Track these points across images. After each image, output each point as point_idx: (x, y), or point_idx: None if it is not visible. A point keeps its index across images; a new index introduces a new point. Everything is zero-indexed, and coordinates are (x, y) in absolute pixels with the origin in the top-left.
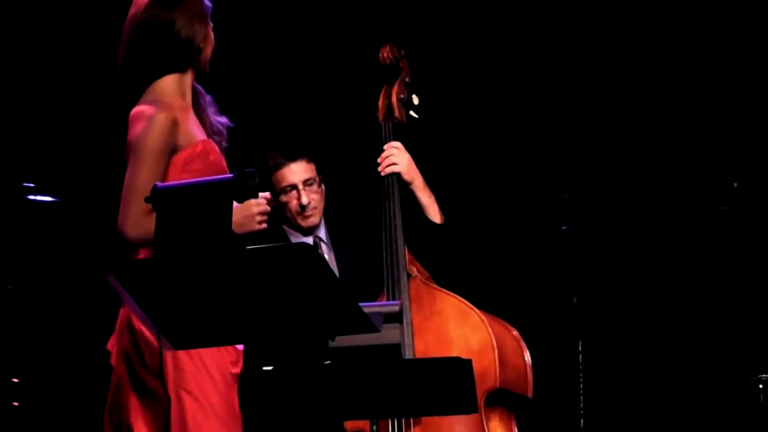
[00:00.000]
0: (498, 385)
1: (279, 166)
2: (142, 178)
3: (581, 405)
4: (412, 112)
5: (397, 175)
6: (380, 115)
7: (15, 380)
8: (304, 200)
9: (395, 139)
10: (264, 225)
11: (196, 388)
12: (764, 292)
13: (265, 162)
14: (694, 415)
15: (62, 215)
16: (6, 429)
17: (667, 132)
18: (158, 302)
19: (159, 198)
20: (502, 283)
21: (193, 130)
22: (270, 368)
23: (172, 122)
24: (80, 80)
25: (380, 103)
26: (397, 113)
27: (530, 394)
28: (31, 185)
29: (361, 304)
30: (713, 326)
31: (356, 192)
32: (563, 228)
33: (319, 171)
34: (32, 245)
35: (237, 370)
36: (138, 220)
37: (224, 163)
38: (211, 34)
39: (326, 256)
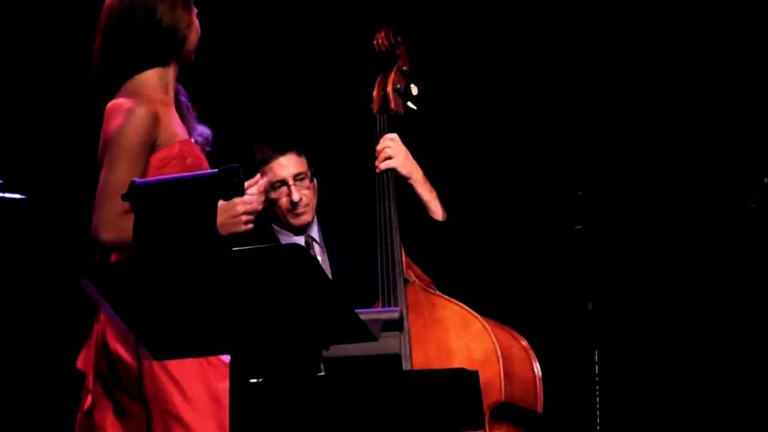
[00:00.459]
0: (503, 398)
1: (267, 160)
2: (118, 175)
3: (597, 420)
4: (410, 103)
5: (394, 170)
6: (375, 106)
7: None
8: (295, 197)
9: (391, 132)
10: (250, 226)
11: (181, 408)
12: None
13: (250, 156)
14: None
15: (32, 213)
16: None
17: (690, 123)
18: (137, 309)
19: (137, 195)
20: (510, 287)
21: (174, 128)
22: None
23: (153, 116)
24: (50, 75)
25: (375, 93)
26: (392, 105)
27: (540, 409)
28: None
29: (358, 310)
30: (742, 334)
31: (350, 189)
32: (577, 227)
33: (310, 165)
34: (1, 244)
35: (227, 382)
36: (113, 221)
37: (205, 167)
38: (196, 21)
39: (319, 257)
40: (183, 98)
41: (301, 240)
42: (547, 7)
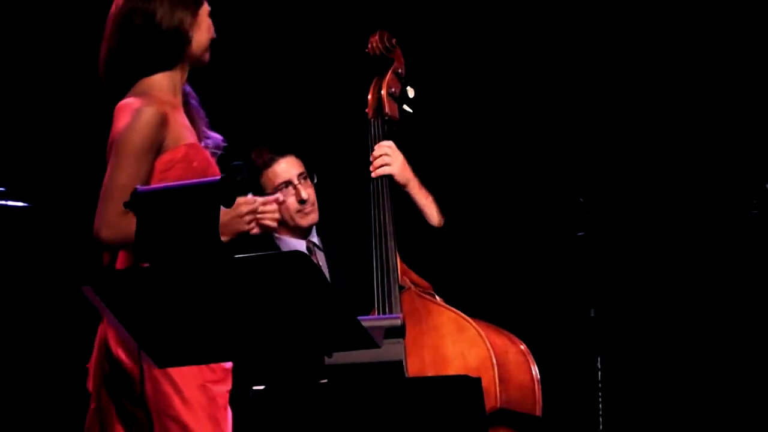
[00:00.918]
0: (498, 404)
1: (269, 164)
2: (122, 176)
3: (600, 427)
4: (406, 107)
5: (389, 177)
6: (369, 110)
7: None
8: (304, 195)
9: (387, 137)
10: (254, 227)
11: (181, 412)
12: None
13: (247, 162)
14: None
15: (34, 221)
16: None
17: (693, 130)
18: (139, 316)
19: (139, 202)
20: (512, 294)
21: (181, 131)
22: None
23: (161, 117)
24: (51, 83)
25: (370, 97)
26: (387, 109)
27: (539, 413)
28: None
29: (360, 317)
30: (745, 339)
31: (344, 195)
32: (579, 234)
33: (307, 168)
34: (2, 252)
35: (226, 387)
36: (114, 221)
37: (214, 170)
38: (205, 20)
39: (320, 263)
40: (193, 102)
41: (302, 245)
42: (551, 10)
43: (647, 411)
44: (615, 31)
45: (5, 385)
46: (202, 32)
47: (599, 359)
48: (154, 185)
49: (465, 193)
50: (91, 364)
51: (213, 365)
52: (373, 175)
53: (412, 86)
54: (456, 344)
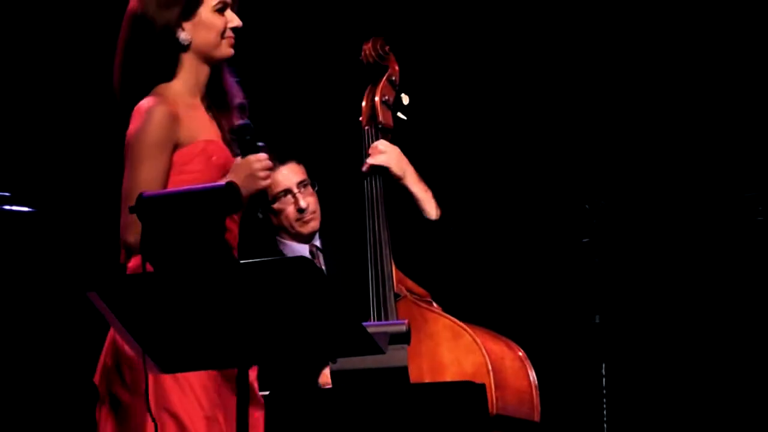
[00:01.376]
0: (495, 411)
1: None
2: (138, 178)
3: None
4: (400, 114)
5: (383, 179)
6: (363, 118)
7: None
8: (302, 203)
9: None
10: (269, 182)
11: (178, 407)
12: None
13: None
14: None
15: (38, 226)
16: None
17: (698, 137)
18: (144, 321)
19: (145, 207)
20: (517, 300)
21: (198, 129)
22: (266, 393)
23: (171, 116)
24: (55, 89)
25: (363, 105)
26: (381, 116)
27: (537, 418)
28: (7, 195)
29: (365, 323)
30: (750, 346)
31: (338, 205)
32: (585, 240)
33: (309, 175)
34: (7, 257)
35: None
36: (137, 223)
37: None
38: (209, 15)
39: (324, 268)
40: (229, 100)
41: (306, 249)
42: (555, 13)
43: (652, 417)
44: (620, 38)
45: (10, 389)
46: (206, 28)
47: (604, 365)
48: (159, 191)
49: (468, 199)
50: (100, 359)
51: None
52: (368, 161)
53: (406, 93)
54: (452, 351)
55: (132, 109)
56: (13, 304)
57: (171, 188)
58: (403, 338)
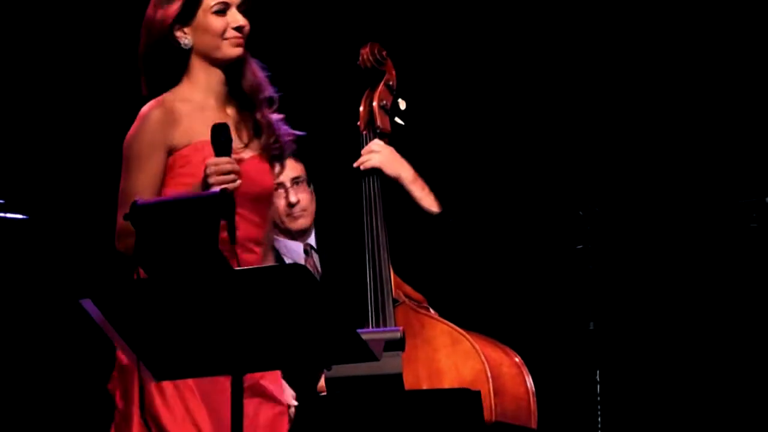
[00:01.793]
0: (493, 417)
1: None
2: (129, 183)
3: None
4: (397, 119)
5: (380, 181)
6: (361, 123)
7: None
8: (293, 198)
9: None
10: (220, 179)
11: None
12: None
13: None
14: None
15: (32, 233)
16: None
17: (693, 143)
18: (138, 328)
19: (138, 215)
20: (512, 307)
21: (197, 130)
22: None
23: (164, 119)
24: (51, 95)
25: (361, 110)
26: (378, 121)
27: (534, 425)
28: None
29: (360, 330)
30: (744, 353)
31: (337, 209)
32: (579, 247)
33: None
34: (1, 264)
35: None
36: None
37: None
38: (207, 16)
39: (319, 267)
40: (258, 95)
41: (300, 247)
42: (546, 22)
43: (646, 424)
44: (614, 44)
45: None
46: (204, 31)
47: (598, 372)
48: (153, 198)
49: (463, 204)
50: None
51: None
52: (358, 165)
53: (403, 98)
54: (450, 357)
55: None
56: (7, 311)
57: (169, 191)
58: (398, 345)
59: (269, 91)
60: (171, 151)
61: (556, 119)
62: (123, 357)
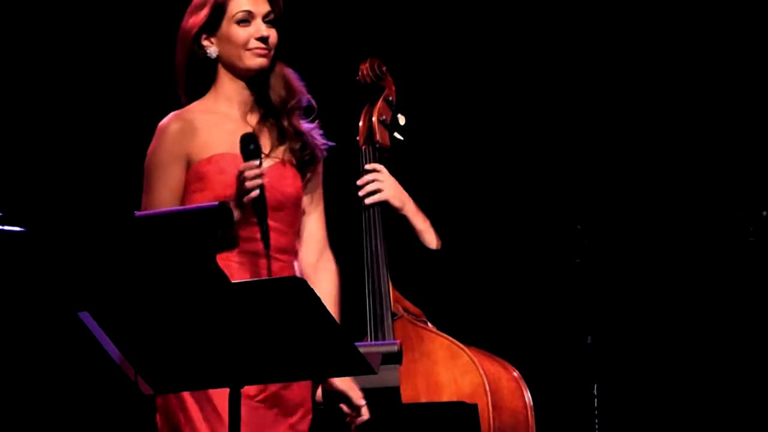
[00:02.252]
0: (492, 431)
1: None
2: (150, 198)
3: None
4: (397, 134)
5: (383, 203)
6: (360, 138)
7: None
8: None
9: (378, 164)
10: (256, 183)
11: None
12: None
13: None
14: None
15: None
16: None
17: (691, 157)
18: (136, 341)
19: (138, 228)
20: (509, 320)
21: (216, 142)
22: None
23: (182, 130)
24: (48, 107)
25: (361, 125)
26: (378, 136)
27: None
28: None
29: (357, 343)
30: (742, 368)
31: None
32: (577, 261)
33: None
34: None
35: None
36: None
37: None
38: (230, 26)
39: None
40: (287, 103)
41: None
42: (549, 33)
43: None
44: (610, 61)
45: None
46: (228, 41)
47: (596, 386)
48: (152, 210)
49: (461, 219)
50: None
51: None
52: (366, 202)
53: (402, 113)
54: (449, 371)
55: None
56: (5, 324)
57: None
58: (395, 358)
59: (302, 99)
60: (189, 164)
61: (554, 133)
62: None
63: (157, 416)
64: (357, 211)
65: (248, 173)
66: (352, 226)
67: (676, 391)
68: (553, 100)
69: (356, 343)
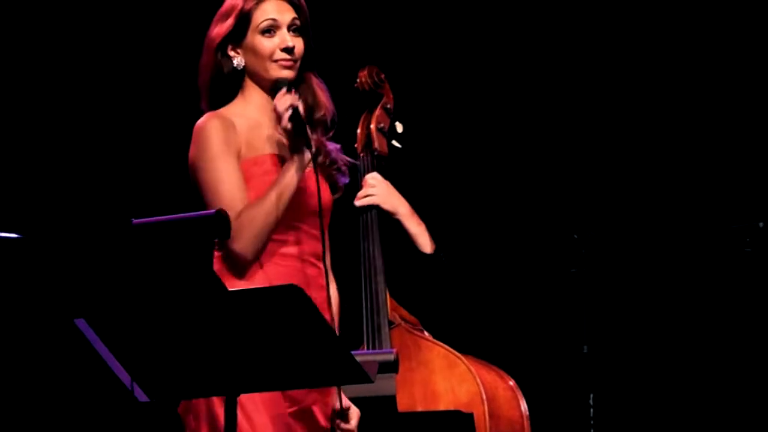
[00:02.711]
0: None
1: None
2: (220, 189)
3: None
4: (394, 142)
5: (377, 210)
6: (359, 145)
7: None
8: None
9: (376, 171)
10: (289, 101)
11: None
12: None
13: None
14: None
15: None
16: None
17: (687, 168)
18: (133, 348)
19: (134, 234)
20: (505, 330)
21: (259, 142)
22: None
23: (225, 125)
24: (45, 113)
25: (359, 132)
26: (376, 144)
27: None
28: None
29: (354, 352)
30: (739, 377)
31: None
32: (573, 270)
33: None
34: None
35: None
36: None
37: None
38: (255, 36)
39: None
40: (314, 114)
41: None
42: (547, 40)
43: None
44: (606, 70)
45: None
46: (253, 52)
47: (592, 396)
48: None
49: (457, 228)
50: None
51: None
52: (356, 204)
53: (400, 121)
54: (446, 380)
55: None
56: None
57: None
58: (392, 367)
59: (328, 113)
60: (239, 157)
61: (551, 143)
62: None
63: (189, 417)
64: (354, 219)
65: (280, 94)
66: (348, 235)
67: (673, 400)
68: (550, 109)
69: (353, 352)
